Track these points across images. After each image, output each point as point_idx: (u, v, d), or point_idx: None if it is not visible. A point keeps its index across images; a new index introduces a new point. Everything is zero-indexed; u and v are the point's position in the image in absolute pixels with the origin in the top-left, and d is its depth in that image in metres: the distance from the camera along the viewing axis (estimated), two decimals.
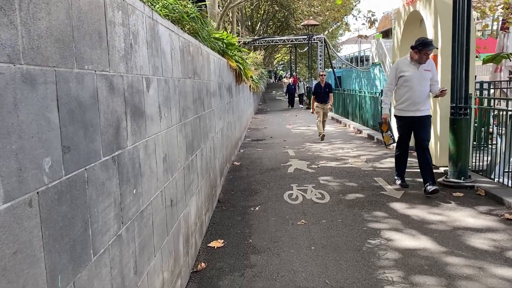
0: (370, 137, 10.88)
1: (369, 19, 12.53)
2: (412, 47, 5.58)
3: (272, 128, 14.36)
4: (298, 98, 24.96)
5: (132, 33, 2.16)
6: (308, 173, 6.85)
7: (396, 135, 6.20)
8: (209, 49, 5.46)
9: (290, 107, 24.03)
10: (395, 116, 5.93)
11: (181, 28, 3.66)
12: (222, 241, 4.09)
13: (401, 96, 5.71)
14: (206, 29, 5.23)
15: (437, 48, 6.74)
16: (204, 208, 4.40)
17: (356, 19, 23.78)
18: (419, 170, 6.66)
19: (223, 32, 8.23)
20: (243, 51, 10.06)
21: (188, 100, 3.70)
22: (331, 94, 11.27)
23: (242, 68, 9.50)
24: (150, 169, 2.39)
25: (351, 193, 5.58)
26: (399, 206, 4.97)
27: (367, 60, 29.97)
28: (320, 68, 27.17)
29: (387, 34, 32.07)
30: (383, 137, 6.29)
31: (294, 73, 32.76)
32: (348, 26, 12.17)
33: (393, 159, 7.67)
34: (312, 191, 5.74)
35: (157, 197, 2.52)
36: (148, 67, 2.45)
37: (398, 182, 5.92)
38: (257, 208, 5.10)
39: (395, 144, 6.24)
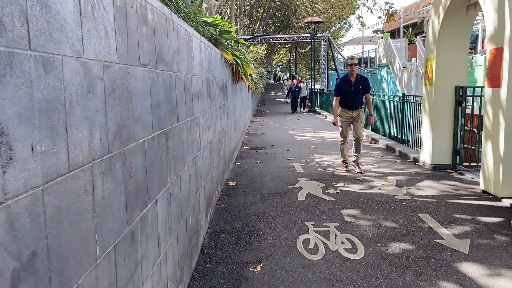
0: (390, 149, 9.19)
1: (386, 11, 10.87)
2: None
3: (273, 134, 12.66)
4: (300, 101, 22.92)
5: None
6: (326, 202, 5.14)
7: None
8: (193, 30, 3.75)
9: (293, 111, 21.76)
10: None
11: None
12: None
13: None
14: None
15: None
16: (173, 284, 2.67)
17: (371, 11, 20.61)
18: (474, 201, 4.98)
19: (217, 16, 6.53)
20: (241, 43, 8.37)
21: (137, 106, 1.99)
22: (368, 96, 7.09)
23: (240, 63, 7.80)
24: None
25: (393, 242, 3.87)
26: (474, 271, 3.26)
27: (372, 61, 28.39)
28: (323, 66, 25.52)
29: (393, 34, 30.41)
30: None
31: (296, 75, 30.97)
32: (362, 20, 10.54)
33: (432, 183, 5.99)
34: (336, 235, 4.02)
35: None
36: None
37: None
38: (258, 268, 3.38)
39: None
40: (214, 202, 4.97)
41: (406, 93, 17.25)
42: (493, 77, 5.13)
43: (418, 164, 7.39)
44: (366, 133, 11.61)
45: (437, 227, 4.20)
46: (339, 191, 5.60)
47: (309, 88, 23.34)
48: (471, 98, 7.01)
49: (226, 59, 6.46)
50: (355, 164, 6.98)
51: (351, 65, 7.00)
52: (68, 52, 1.29)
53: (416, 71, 15.08)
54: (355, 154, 7.01)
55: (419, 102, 8.72)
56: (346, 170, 6.99)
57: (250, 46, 15.52)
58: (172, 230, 2.67)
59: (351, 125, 7.03)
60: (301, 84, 22.37)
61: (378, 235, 4.02)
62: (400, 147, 8.89)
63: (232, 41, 7.06)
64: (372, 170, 7.02)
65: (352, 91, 6.90)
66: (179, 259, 2.88)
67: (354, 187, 5.84)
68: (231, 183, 6.14)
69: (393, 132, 10.58)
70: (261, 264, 3.45)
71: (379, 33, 16.32)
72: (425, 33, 21.93)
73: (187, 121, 3.29)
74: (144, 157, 2.09)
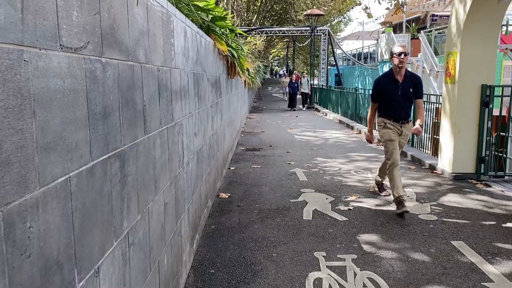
0: (401, 153, 8.32)
1: (396, 1, 10.01)
2: None
3: (271, 133, 11.80)
4: (301, 98, 21.52)
5: None
6: (337, 223, 4.29)
7: None
8: (175, 9, 2.87)
9: (292, 109, 20.22)
10: None
11: None
12: None
13: None
14: None
15: None
16: None
17: (379, 2, 18.54)
18: None
19: (211, 0, 5.64)
20: (238, 33, 7.46)
21: (50, 120, 1.11)
22: (420, 102, 4.84)
23: (236, 56, 6.92)
24: None
25: (429, 284, 3.03)
26: None
27: (372, 57, 27.60)
28: (322, 61, 24.61)
29: (394, 29, 29.49)
30: None
31: (294, 70, 29.96)
32: (369, 11, 9.60)
33: (458, 197, 5.13)
34: (356, 274, 3.18)
35: None
36: None
37: None
38: None
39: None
40: (203, 223, 4.11)
41: None
42: None
43: (436, 172, 6.56)
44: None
45: (481, 263, 3.36)
46: (351, 208, 4.75)
47: (310, 84, 22.05)
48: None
49: (220, 50, 5.59)
50: (379, 185, 5.38)
51: (400, 54, 4.56)
52: None
53: (423, 67, 14.23)
54: (380, 175, 5.29)
55: (433, 101, 7.91)
56: (399, 212, 4.46)
57: (248, 37, 14.57)
58: None
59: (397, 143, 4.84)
60: (302, 79, 20.79)
61: (408, 274, 3.18)
62: (412, 151, 8.06)
63: (227, 30, 6.18)
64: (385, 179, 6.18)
65: (400, 95, 4.68)
66: None
67: (369, 202, 4.99)
68: (224, 195, 5.27)
69: None
70: None
71: (387, 25, 15.40)
72: (429, 27, 21.11)
73: (163, 130, 2.42)
74: (69, 205, 1.22)
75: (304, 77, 20.60)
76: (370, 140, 5.27)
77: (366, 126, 12.41)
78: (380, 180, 5.38)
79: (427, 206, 4.82)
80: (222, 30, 5.75)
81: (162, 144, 2.39)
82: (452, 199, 5.10)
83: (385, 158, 4.98)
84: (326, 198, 5.14)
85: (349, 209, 4.72)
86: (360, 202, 5.00)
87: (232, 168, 7.06)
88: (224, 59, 6.13)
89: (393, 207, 4.77)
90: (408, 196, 5.18)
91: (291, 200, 5.08)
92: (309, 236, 3.94)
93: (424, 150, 8.04)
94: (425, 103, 8.29)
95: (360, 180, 6.14)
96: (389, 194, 5.16)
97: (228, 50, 5.88)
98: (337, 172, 6.67)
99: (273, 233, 4.02)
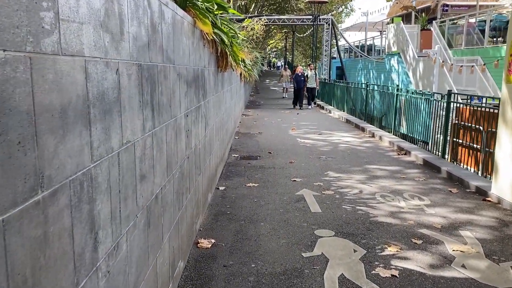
0: (430, 166, 6.74)
1: None
2: None
3: (270, 134, 10.17)
4: (307, 93, 17.93)
5: None
6: None
7: None
8: None
9: (297, 107, 17.16)
10: None
11: None
12: None
13: None
14: None
15: None
16: None
17: None
18: None
19: None
20: (230, 12, 5.71)
21: None
22: None
23: (227, 42, 5.24)
24: None
25: None
26: None
27: (376, 49, 25.92)
28: (325, 52, 22.92)
29: (402, 19, 27.70)
30: None
31: (297, 64, 28.03)
32: None
33: None
34: None
35: None
36: None
37: None
38: None
39: None
40: None
41: (419, 86, 14.87)
42: None
43: (490, 200, 4.96)
44: (388, 138, 9.16)
45: None
46: (396, 274, 3.14)
47: (319, 78, 19.40)
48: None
49: (204, 33, 3.94)
50: None
51: None
52: None
53: (442, 61, 12.56)
54: None
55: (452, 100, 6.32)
56: None
57: (244, 19, 12.80)
58: None
59: None
60: (309, 72, 17.63)
61: None
62: (447, 166, 6.45)
63: (215, 6, 4.49)
64: (425, 212, 4.58)
65: None
66: None
67: (418, 260, 3.38)
68: (205, 243, 3.64)
69: (418, 134, 8.21)
70: None
71: (409, 10, 13.73)
72: (440, 18, 19.43)
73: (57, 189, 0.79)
74: None
75: (311, 69, 17.82)
76: None
77: (379, 128, 10.91)
78: None
79: (507, 269, 3.23)
80: (206, 4, 4.10)
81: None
82: None
83: None
84: (355, 251, 3.53)
85: (392, 275, 3.11)
86: (405, 259, 3.39)
87: (221, 188, 5.44)
88: (210, 46, 4.48)
89: (456, 271, 3.17)
90: (472, 249, 3.58)
91: (303, 254, 3.46)
92: None
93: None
94: (449, 103, 6.80)
95: (393, 212, 4.54)
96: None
97: (215, 33, 4.22)
98: (359, 198, 5.07)
99: None
